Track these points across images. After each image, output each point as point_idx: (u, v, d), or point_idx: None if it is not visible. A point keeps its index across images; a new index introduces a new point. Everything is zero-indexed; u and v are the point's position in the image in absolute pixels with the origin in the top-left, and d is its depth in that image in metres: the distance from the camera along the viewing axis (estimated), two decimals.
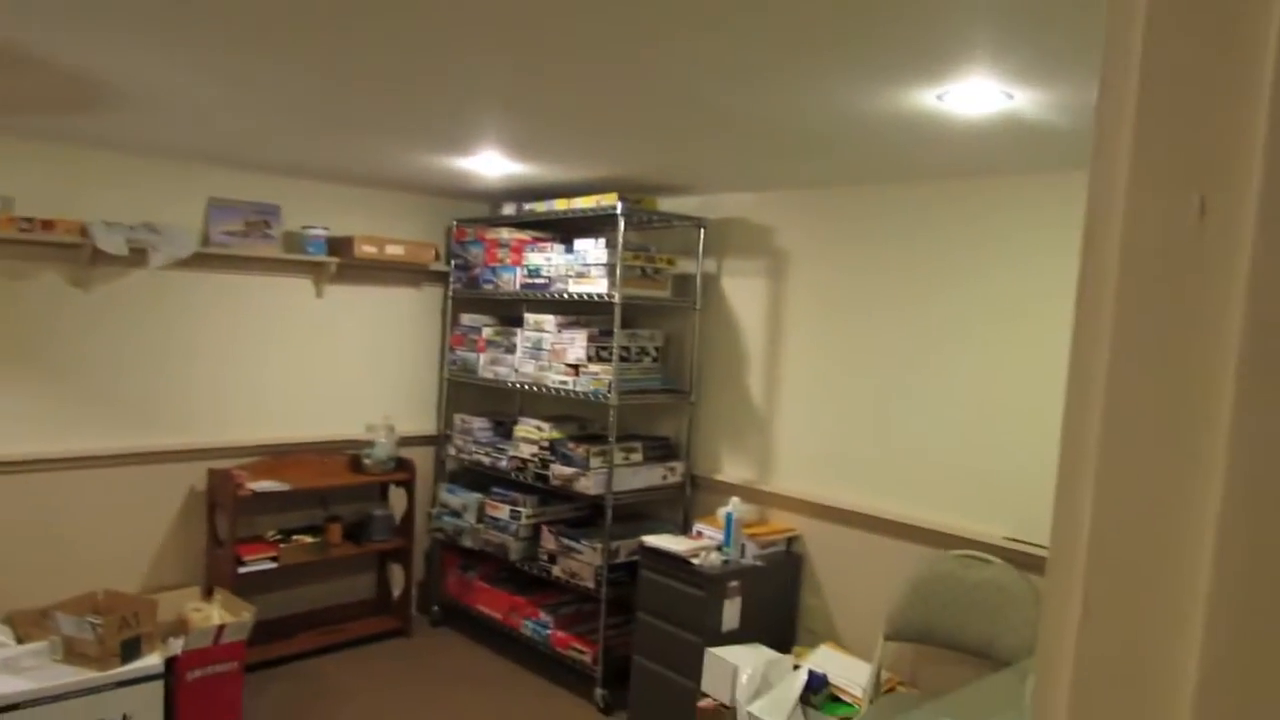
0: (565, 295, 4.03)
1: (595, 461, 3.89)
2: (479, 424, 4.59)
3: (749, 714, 2.99)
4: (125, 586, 3.90)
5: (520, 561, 4.24)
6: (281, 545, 4.10)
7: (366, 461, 4.44)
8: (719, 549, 3.65)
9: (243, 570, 3.95)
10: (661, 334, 4.19)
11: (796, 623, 3.81)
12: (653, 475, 4.04)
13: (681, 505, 4.21)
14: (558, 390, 4.04)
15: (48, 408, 3.70)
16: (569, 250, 4.11)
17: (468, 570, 4.62)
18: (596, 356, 3.96)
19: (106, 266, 3.80)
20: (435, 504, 4.70)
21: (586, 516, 4.44)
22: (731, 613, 3.50)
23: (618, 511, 3.89)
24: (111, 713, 3.14)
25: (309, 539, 4.24)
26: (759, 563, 3.61)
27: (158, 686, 3.24)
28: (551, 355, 4.10)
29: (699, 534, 3.83)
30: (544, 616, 4.16)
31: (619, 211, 3.77)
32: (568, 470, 3.94)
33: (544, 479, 4.09)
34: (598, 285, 3.88)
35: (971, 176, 3.25)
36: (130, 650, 3.21)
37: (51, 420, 3.72)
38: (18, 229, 3.45)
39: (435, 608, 4.75)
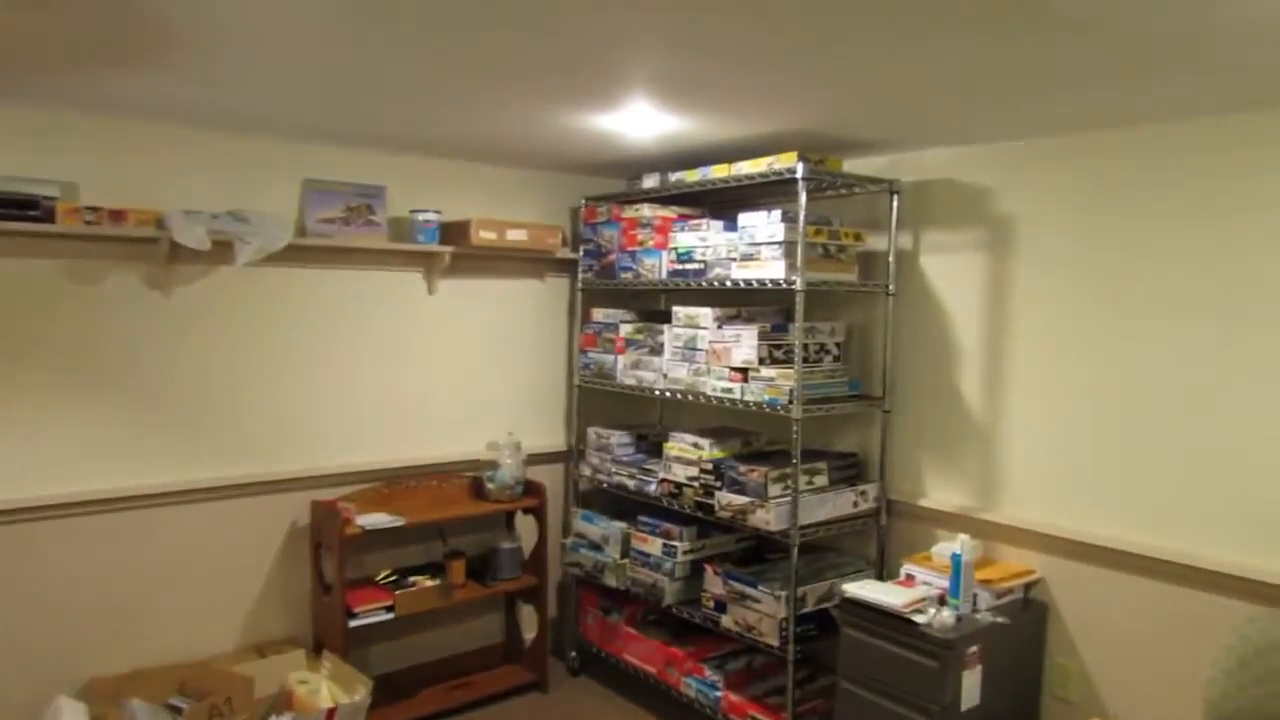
0: (728, 283, 3.27)
1: (774, 488, 3.13)
2: (619, 439, 3.88)
3: None
4: (220, 642, 3.33)
5: (678, 607, 3.51)
6: (398, 592, 3.46)
7: (490, 486, 3.78)
8: (941, 601, 2.86)
9: (355, 624, 3.33)
10: (842, 326, 3.41)
11: (1041, 691, 2.99)
12: (842, 503, 3.25)
13: (875, 538, 3.42)
14: (721, 400, 3.29)
15: (123, 434, 3.13)
16: (729, 227, 3.36)
17: (610, 613, 3.92)
18: (770, 358, 3.20)
19: (188, 264, 3.21)
20: (570, 534, 4.01)
21: (753, 549, 3.69)
22: (971, 686, 2.70)
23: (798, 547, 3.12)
24: None
25: (428, 581, 3.59)
26: (1000, 618, 2.80)
27: None
28: (711, 357, 3.35)
29: (909, 578, 3.04)
30: (710, 674, 3.42)
31: (800, 175, 3.00)
32: (739, 499, 3.19)
33: (707, 509, 3.35)
34: (771, 269, 3.11)
35: None
36: None
37: (128, 449, 3.15)
38: (82, 221, 2.87)
39: (573, 654, 4.07)
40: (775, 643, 3.10)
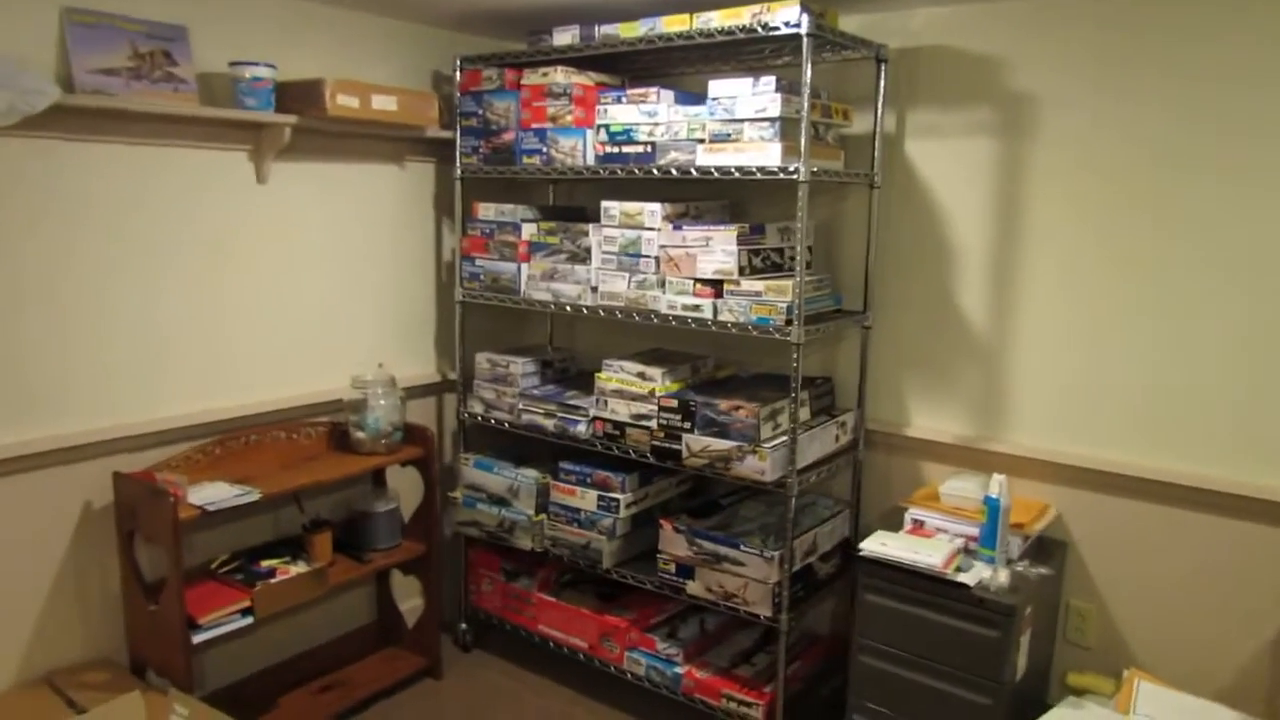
0: (691, 171, 2.57)
1: (766, 428, 2.54)
2: (522, 367, 3.10)
3: None
4: None
5: (617, 570, 2.88)
6: (255, 586, 2.55)
7: (360, 435, 2.91)
8: (965, 551, 2.44)
9: (200, 638, 2.41)
10: (812, 227, 2.83)
11: (1055, 636, 2.68)
12: (827, 438, 2.74)
13: (850, 476, 2.95)
14: (683, 320, 2.62)
15: None
16: (683, 100, 2.64)
17: (516, 577, 3.22)
18: (750, 266, 2.56)
19: None
20: (458, 486, 3.23)
21: (695, 493, 3.11)
22: (1024, 652, 2.32)
23: (750, 491, 2.57)
24: None
25: (290, 566, 2.71)
26: (1044, 569, 2.42)
27: None
28: (667, 266, 2.66)
29: (917, 524, 2.60)
30: (664, 646, 2.85)
31: (804, 31, 2.31)
32: (720, 444, 2.57)
33: (666, 455, 2.70)
34: (762, 154, 2.43)
35: None
36: None
37: None
38: None
39: (463, 627, 3.34)
40: (768, 612, 2.56)
